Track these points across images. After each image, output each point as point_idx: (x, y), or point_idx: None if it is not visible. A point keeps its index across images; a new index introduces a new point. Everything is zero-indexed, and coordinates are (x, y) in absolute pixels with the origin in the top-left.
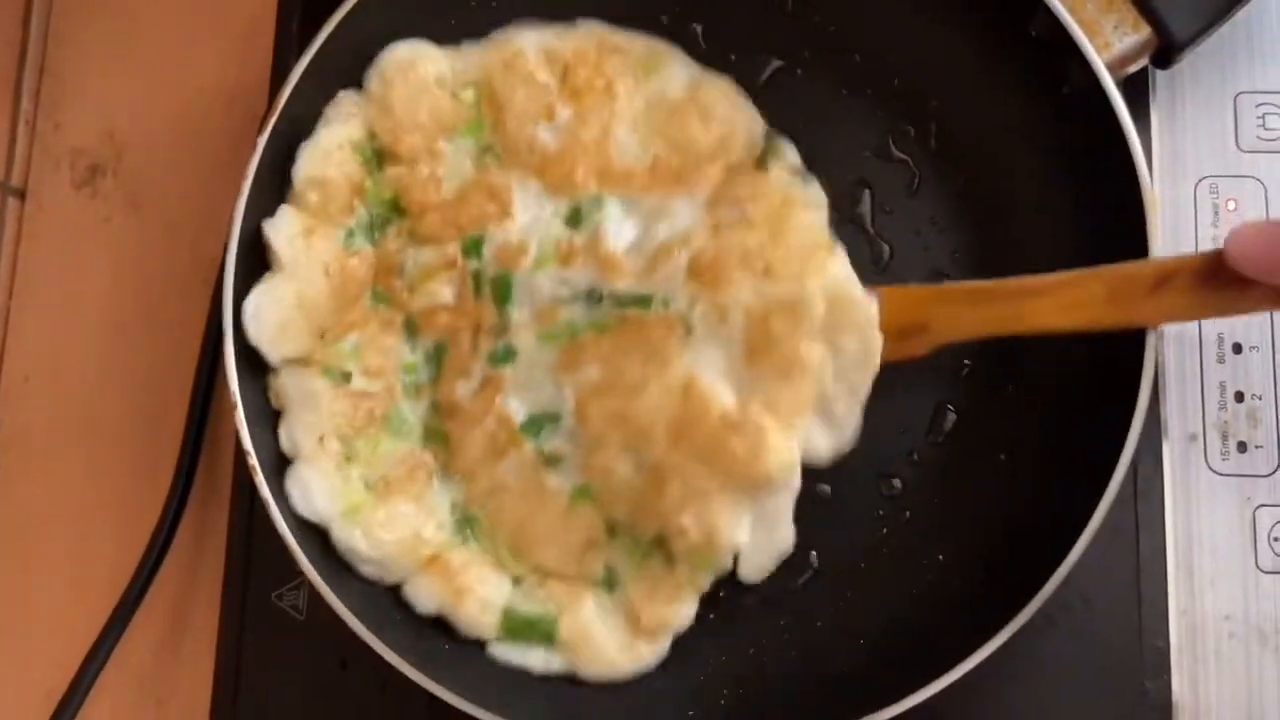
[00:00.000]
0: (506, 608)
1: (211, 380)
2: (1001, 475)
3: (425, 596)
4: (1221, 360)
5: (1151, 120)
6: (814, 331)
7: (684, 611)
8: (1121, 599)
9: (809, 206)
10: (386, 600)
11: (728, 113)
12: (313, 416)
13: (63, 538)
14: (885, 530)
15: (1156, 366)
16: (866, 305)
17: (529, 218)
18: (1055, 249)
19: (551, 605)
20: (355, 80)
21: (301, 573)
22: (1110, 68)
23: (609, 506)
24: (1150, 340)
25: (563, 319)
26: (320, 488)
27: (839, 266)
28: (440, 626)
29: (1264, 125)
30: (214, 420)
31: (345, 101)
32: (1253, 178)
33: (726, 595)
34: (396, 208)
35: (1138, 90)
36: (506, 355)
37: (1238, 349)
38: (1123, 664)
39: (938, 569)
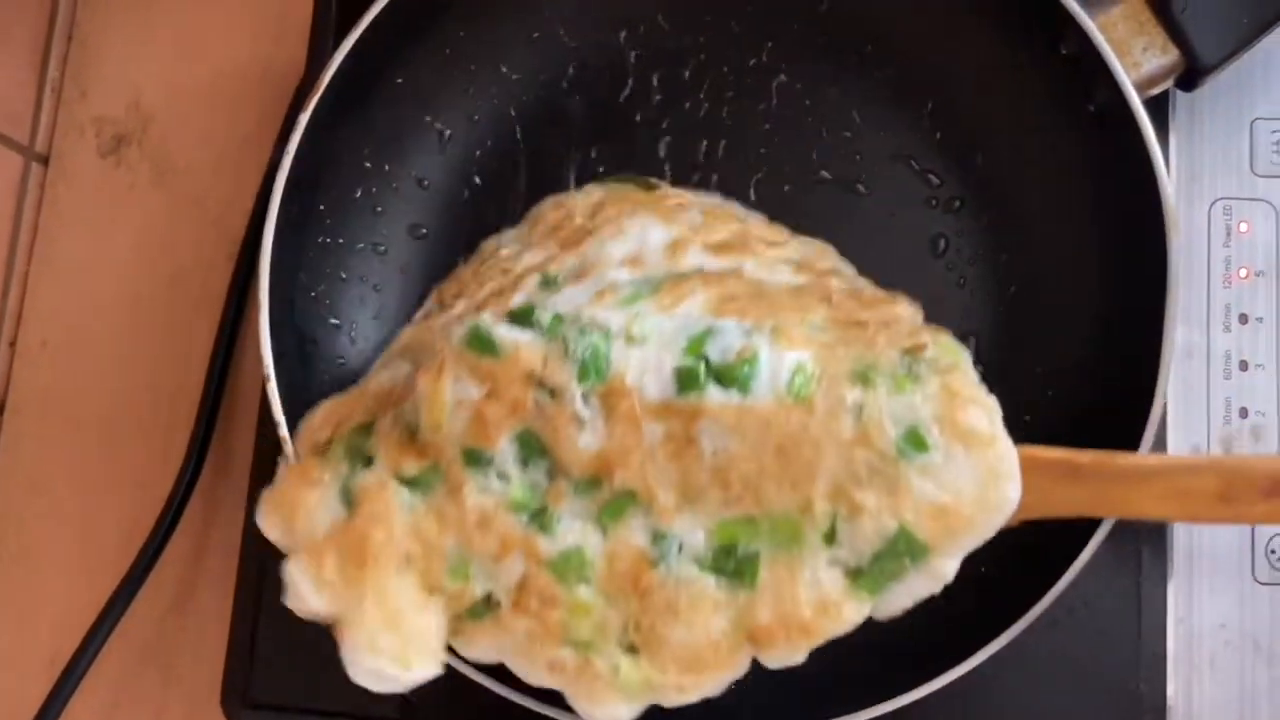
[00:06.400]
0: None
1: (229, 353)
2: None
3: None
4: (1228, 376)
5: (1170, 141)
6: None
7: None
8: (1122, 604)
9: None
10: None
11: None
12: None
13: (73, 504)
14: None
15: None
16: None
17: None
18: (1076, 265)
19: None
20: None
21: None
22: (1137, 88)
23: None
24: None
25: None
26: None
27: None
28: None
29: (1279, 150)
30: (230, 393)
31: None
32: (1266, 201)
33: None
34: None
35: (1159, 111)
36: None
37: (1244, 366)
38: (1120, 668)
39: None
